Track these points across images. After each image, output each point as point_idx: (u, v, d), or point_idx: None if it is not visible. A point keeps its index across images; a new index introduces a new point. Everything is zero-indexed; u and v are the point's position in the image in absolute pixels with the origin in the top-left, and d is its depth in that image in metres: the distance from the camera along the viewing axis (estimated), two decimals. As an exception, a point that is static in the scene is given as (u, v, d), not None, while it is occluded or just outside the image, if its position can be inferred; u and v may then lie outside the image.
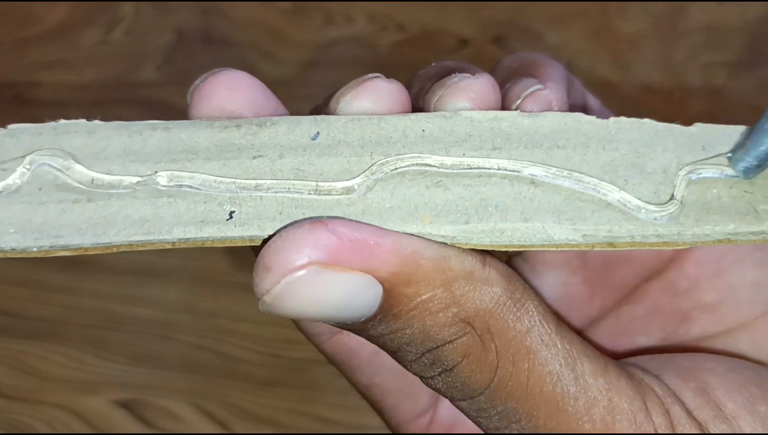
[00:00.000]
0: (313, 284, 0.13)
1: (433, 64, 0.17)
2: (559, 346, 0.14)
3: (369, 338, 0.14)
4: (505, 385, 0.14)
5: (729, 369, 0.15)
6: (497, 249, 0.14)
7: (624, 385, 0.14)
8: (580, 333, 0.18)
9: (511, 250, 0.14)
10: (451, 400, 0.15)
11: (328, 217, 0.13)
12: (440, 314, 0.13)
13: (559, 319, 0.15)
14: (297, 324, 0.18)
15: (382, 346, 0.14)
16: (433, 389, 0.15)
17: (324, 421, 0.37)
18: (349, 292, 0.13)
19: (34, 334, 0.39)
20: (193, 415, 0.37)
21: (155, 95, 0.46)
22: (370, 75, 0.14)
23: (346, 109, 0.14)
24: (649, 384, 0.15)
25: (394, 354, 0.15)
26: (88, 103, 0.46)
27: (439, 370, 0.14)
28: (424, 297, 0.13)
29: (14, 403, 0.37)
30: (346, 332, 0.17)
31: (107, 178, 0.14)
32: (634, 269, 0.18)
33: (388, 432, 0.36)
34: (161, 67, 0.48)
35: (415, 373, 0.15)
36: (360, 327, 0.14)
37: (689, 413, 0.14)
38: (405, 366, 0.15)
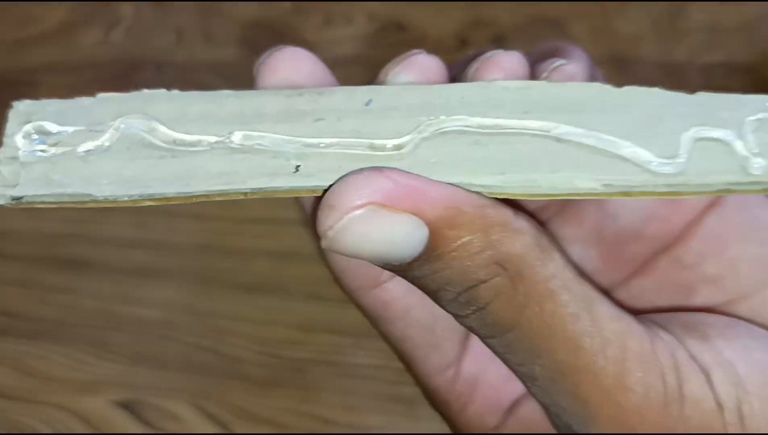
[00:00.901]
0: (371, 222, 0.15)
1: (470, 53, 0.19)
2: (578, 291, 0.16)
3: (413, 280, 0.16)
4: (530, 323, 0.16)
5: (726, 325, 0.17)
6: (528, 198, 0.16)
7: (635, 328, 0.16)
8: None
9: (538, 199, 0.16)
10: (482, 338, 0.17)
11: (384, 167, 0.15)
12: (477, 256, 0.15)
13: (577, 269, 0.17)
14: (339, 279, 0.20)
15: (424, 287, 0.16)
16: (467, 327, 0.17)
17: (324, 422, 0.37)
18: (400, 232, 0.15)
19: (34, 335, 0.39)
20: (193, 416, 0.37)
21: (155, 95, 0.47)
22: (413, 51, 0.17)
23: (394, 80, 0.17)
24: (656, 331, 0.17)
25: (434, 294, 0.16)
26: (88, 104, 0.46)
27: (473, 308, 0.16)
28: (464, 240, 0.15)
29: (14, 403, 0.37)
30: (382, 287, 0.19)
31: (188, 138, 0.16)
32: (645, 245, 0.19)
33: (389, 432, 0.36)
34: (161, 67, 0.48)
35: (451, 312, 0.16)
36: (406, 268, 0.16)
37: (692, 356, 0.16)
38: (443, 306, 0.16)
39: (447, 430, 0.35)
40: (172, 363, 0.38)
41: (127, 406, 0.37)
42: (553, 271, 0.16)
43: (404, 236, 0.15)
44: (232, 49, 0.49)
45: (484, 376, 0.20)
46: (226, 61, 0.48)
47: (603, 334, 0.16)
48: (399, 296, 0.19)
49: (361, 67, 0.48)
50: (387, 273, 0.19)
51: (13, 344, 0.39)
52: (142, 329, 0.39)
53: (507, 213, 0.16)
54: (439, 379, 0.20)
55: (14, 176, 0.15)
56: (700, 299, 0.19)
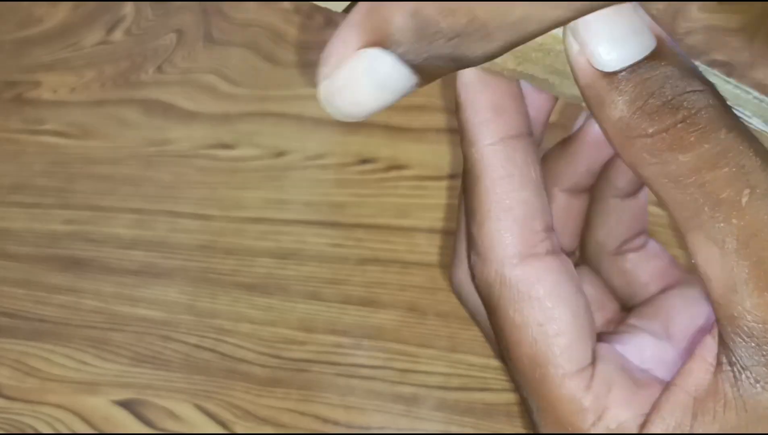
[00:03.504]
0: None
1: None
2: None
3: (635, 80, 0.16)
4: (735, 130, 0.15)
5: None
6: None
7: None
8: None
9: None
10: (668, 166, 0.16)
11: None
12: (691, 72, 0.16)
13: None
14: (490, 249, 0.18)
15: (645, 88, 0.16)
16: (654, 158, 0.16)
17: (324, 422, 0.37)
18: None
19: (34, 335, 0.39)
20: (195, 416, 0.37)
21: (155, 95, 0.47)
22: None
23: None
24: None
25: (648, 97, 0.16)
26: (89, 103, 0.46)
27: (684, 113, 0.15)
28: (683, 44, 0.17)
29: (15, 403, 0.37)
30: (538, 257, 0.18)
31: None
32: None
33: (389, 432, 0.36)
34: (161, 67, 0.48)
35: (652, 132, 0.16)
36: (639, 63, 0.16)
37: None
38: (642, 124, 0.16)
39: (448, 429, 0.35)
40: (173, 363, 0.38)
41: (128, 406, 0.37)
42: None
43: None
44: (232, 50, 0.49)
45: (620, 380, 0.19)
46: (226, 62, 0.48)
47: None
48: (553, 269, 0.18)
49: (361, 67, 0.48)
50: (544, 243, 0.18)
51: (13, 344, 0.39)
52: (143, 329, 0.39)
53: None
54: (573, 381, 0.18)
55: None
56: None
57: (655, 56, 0.15)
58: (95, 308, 0.40)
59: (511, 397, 0.36)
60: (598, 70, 0.15)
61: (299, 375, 0.38)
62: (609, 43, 0.15)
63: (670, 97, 0.15)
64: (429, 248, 0.39)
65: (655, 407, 0.18)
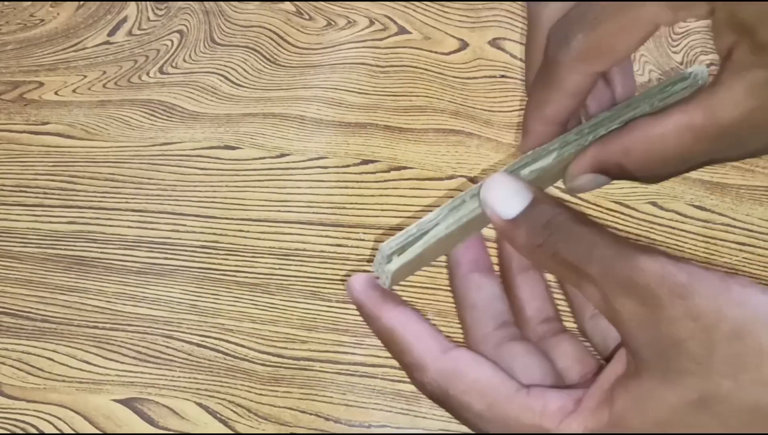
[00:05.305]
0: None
1: None
2: None
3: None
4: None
5: None
6: None
7: None
8: None
9: None
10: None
11: None
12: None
13: None
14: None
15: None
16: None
17: (326, 419, 0.37)
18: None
19: (38, 334, 0.39)
20: (197, 414, 0.37)
21: (158, 96, 0.47)
22: None
23: None
24: None
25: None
26: (92, 104, 0.46)
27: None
28: None
29: (19, 402, 0.37)
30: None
31: None
32: None
33: (390, 429, 0.36)
34: (163, 68, 0.48)
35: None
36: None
37: None
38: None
39: (448, 427, 0.35)
40: (175, 362, 0.38)
41: (131, 405, 0.37)
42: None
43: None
44: (234, 51, 0.49)
45: (550, 390, 0.25)
46: (228, 63, 0.48)
47: None
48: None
49: (362, 68, 0.48)
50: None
51: (16, 344, 0.39)
52: (145, 328, 0.39)
53: None
54: (517, 394, 0.25)
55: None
56: None
57: (533, 202, 0.24)
58: (98, 307, 0.40)
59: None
60: (502, 218, 0.24)
61: (301, 373, 0.38)
62: (503, 203, 0.25)
63: (543, 224, 0.24)
64: (429, 248, 0.39)
65: (582, 397, 0.24)
